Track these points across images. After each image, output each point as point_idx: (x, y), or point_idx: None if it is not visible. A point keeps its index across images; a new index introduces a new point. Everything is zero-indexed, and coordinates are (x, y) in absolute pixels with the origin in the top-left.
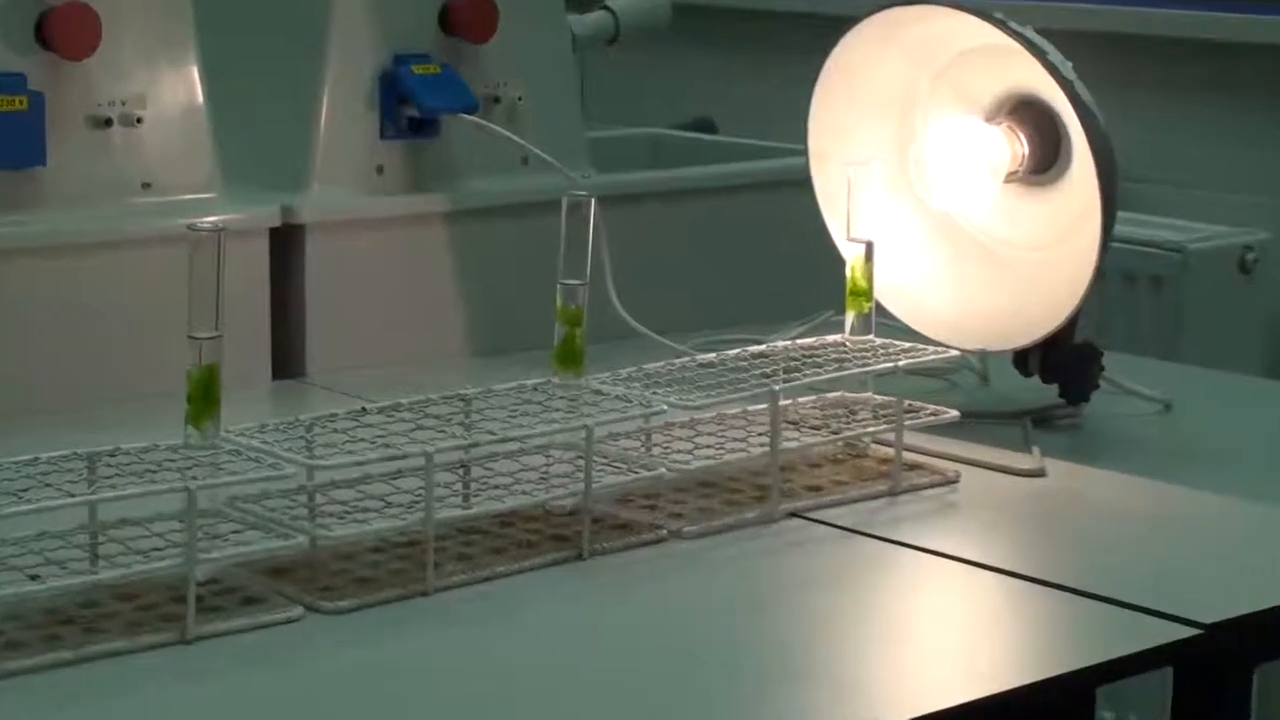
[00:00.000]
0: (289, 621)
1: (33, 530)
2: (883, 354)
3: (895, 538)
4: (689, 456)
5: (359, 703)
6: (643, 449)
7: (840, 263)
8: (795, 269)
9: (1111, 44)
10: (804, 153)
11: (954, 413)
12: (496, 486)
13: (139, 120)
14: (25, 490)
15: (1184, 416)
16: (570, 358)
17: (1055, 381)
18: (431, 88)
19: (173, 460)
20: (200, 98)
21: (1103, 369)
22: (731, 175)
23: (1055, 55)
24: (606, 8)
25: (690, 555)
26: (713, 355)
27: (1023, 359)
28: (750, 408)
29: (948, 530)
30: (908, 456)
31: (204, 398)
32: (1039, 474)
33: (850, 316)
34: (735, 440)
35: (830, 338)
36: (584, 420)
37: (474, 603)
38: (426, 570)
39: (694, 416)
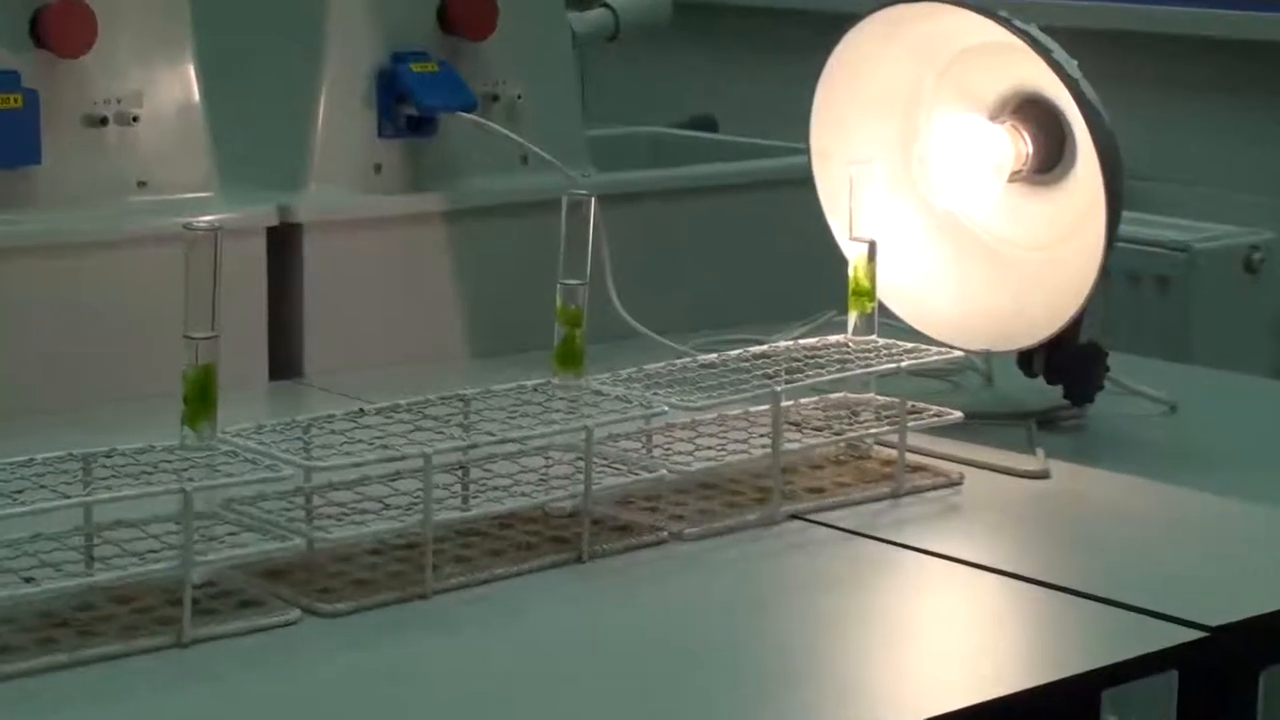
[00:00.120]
0: (286, 624)
1: (27, 532)
2: (886, 355)
3: (898, 540)
4: (690, 458)
5: (357, 706)
6: (643, 450)
7: (842, 262)
8: (797, 269)
9: (1116, 42)
10: (806, 151)
11: (957, 414)
12: (496, 488)
13: (135, 119)
14: (20, 492)
15: (1190, 418)
16: (570, 358)
17: (1060, 382)
18: (430, 86)
19: (169, 461)
20: (197, 96)
21: (1107, 370)
22: (733, 174)
23: (1060, 53)
24: (606, 5)
25: (691, 557)
26: (714, 356)
27: (1027, 360)
28: (752, 409)
29: (951, 532)
30: (911, 458)
31: (200, 398)
32: (1043, 476)
33: (853, 317)
34: (737, 441)
35: (833, 338)
36: (584, 421)
37: (473, 605)
38: (425, 572)
39: (695, 417)
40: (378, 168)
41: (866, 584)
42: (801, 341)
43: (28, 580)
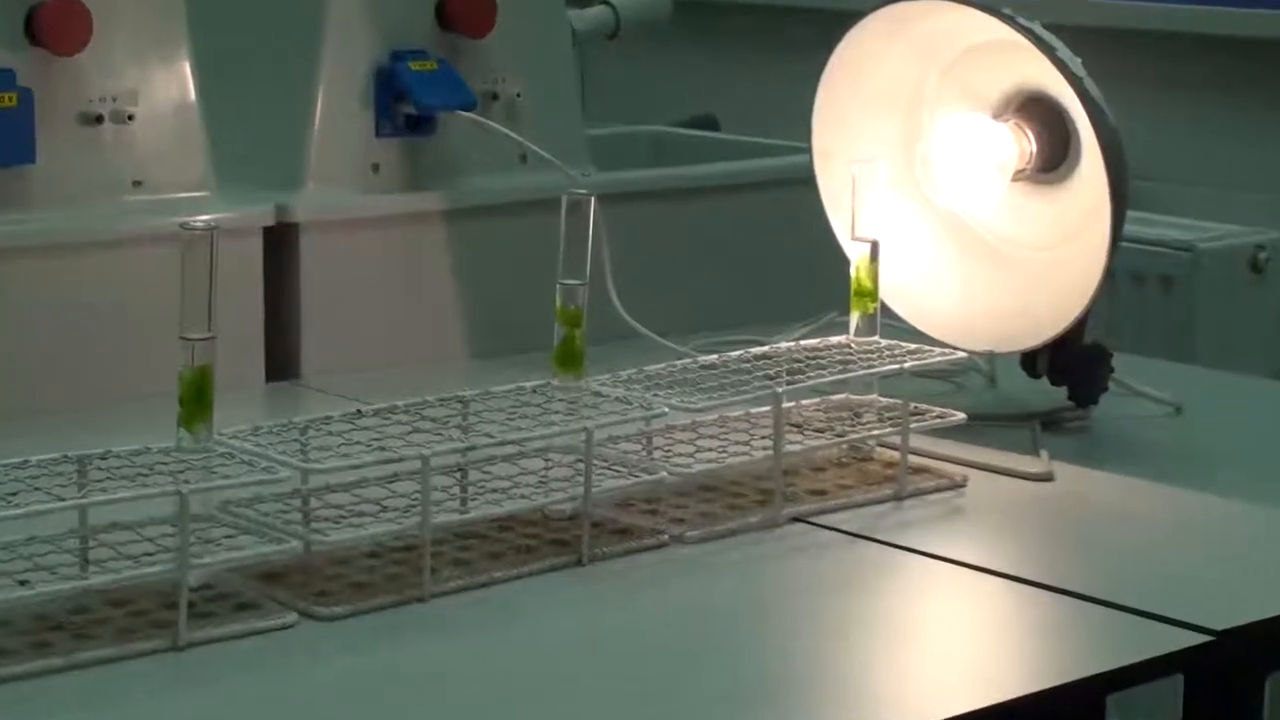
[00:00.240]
0: (283, 628)
1: (22, 534)
2: (888, 355)
3: (901, 543)
4: (691, 460)
5: (354, 711)
6: (643, 452)
7: (845, 262)
8: (799, 269)
9: (1121, 40)
10: (808, 150)
11: (960, 415)
12: (494, 490)
13: (130, 117)
14: (14, 494)
15: (1195, 419)
16: (570, 359)
17: (1064, 383)
18: (428, 84)
19: (165, 463)
20: (193, 94)
21: (1112, 371)
22: (734, 173)
23: (1064, 51)
24: (607, 2)
25: (692, 560)
26: (715, 357)
27: (1031, 360)
28: (753, 410)
29: (954, 535)
30: (913, 460)
31: (197, 400)
32: (1047, 478)
33: (855, 317)
34: (738, 443)
35: (835, 339)
36: (584, 423)
37: (471, 609)
38: (423, 575)
39: (696, 419)
40: (376, 167)
41: (869, 587)
42: (803, 342)
43: (22, 583)
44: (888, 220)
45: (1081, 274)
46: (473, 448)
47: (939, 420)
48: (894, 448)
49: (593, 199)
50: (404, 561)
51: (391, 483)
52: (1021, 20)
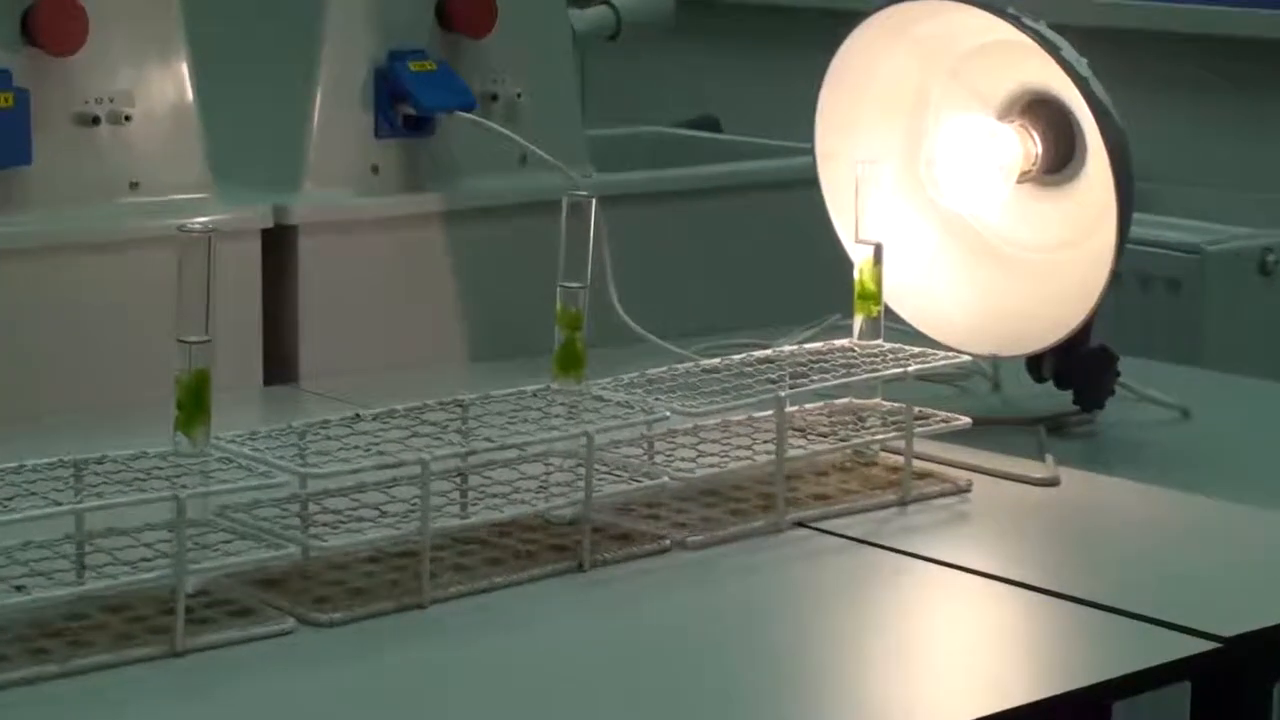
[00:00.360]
0: (281, 634)
1: (18, 539)
2: (892, 359)
3: (905, 548)
4: (693, 464)
5: (353, 718)
6: (645, 457)
7: (848, 265)
8: (802, 271)
9: (1126, 40)
10: (811, 152)
11: (965, 420)
12: (495, 495)
13: (127, 118)
14: (10, 499)
15: (1202, 423)
16: (570, 363)
17: (1069, 387)
18: (428, 85)
19: (162, 468)
20: (190, 95)
21: (1118, 374)
22: (736, 175)
23: (1069, 51)
24: (608, 3)
25: (694, 566)
26: (717, 360)
27: (1036, 364)
28: (755, 414)
29: (959, 541)
30: (918, 465)
31: (194, 404)
32: (1053, 483)
33: (858, 320)
34: (740, 448)
35: (838, 342)
36: (585, 427)
37: (471, 615)
38: (422, 581)
39: (698, 423)
40: (375, 168)
41: (872, 593)
42: (806, 346)
43: (18, 589)
44: (891, 222)
45: (1087, 277)
46: (472, 452)
47: (943, 424)
48: (898, 452)
49: (593, 201)
50: (403, 567)
51: (390, 487)
52: (1027, 21)
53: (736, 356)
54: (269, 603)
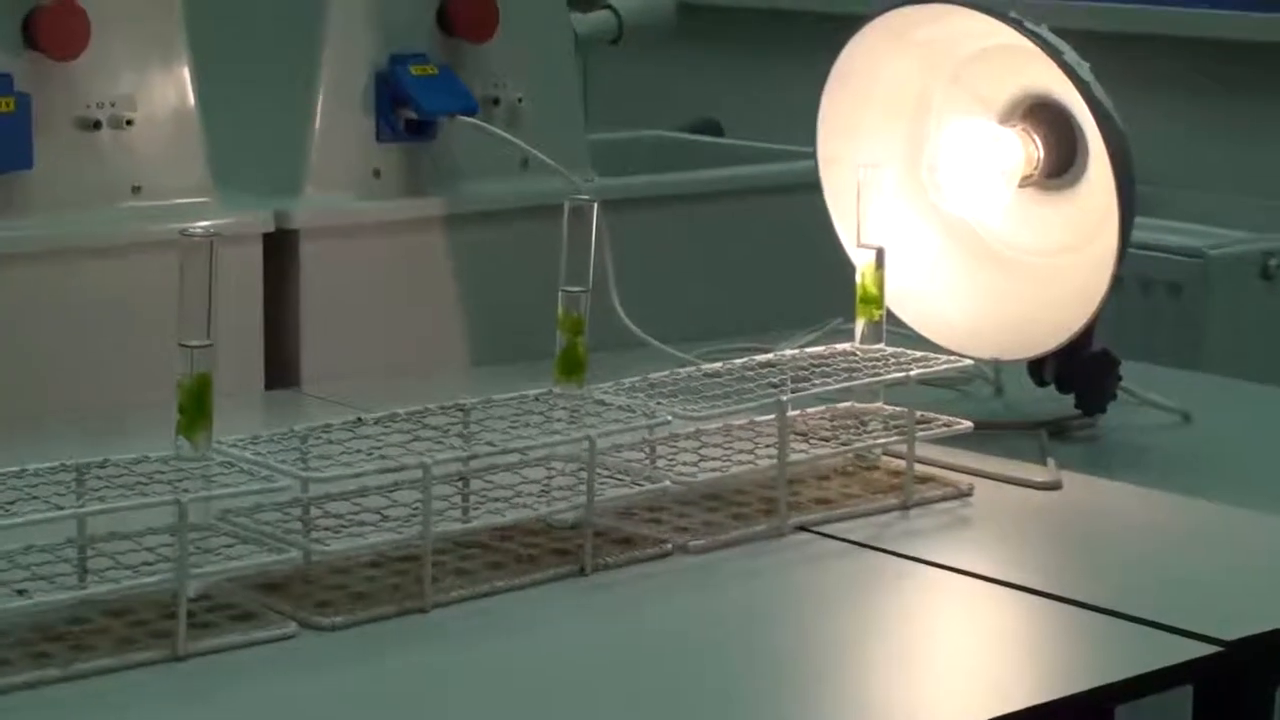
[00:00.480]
0: (283, 638)
1: (20, 544)
2: (894, 363)
3: (907, 552)
4: (694, 469)
5: None
6: (647, 461)
7: (850, 269)
8: (804, 275)
9: (1129, 44)
10: (813, 156)
11: (967, 424)
12: (496, 499)
13: (129, 122)
14: (12, 503)
15: (1204, 427)
16: (572, 367)
17: (1071, 391)
18: (429, 89)
19: (163, 472)
20: (191, 99)
21: (1120, 379)
22: (738, 179)
23: (1071, 55)
24: (609, 7)
25: (696, 570)
26: (719, 364)
27: (1038, 368)
28: (757, 418)
29: (961, 545)
30: (920, 469)
31: (196, 408)
32: (1055, 486)
33: (860, 324)
34: (742, 452)
35: (840, 346)
36: (586, 431)
37: (473, 619)
38: (424, 585)
39: (699, 427)
40: (376, 172)
41: (875, 597)
42: (808, 350)
43: (20, 593)
44: (893, 226)
45: (1089, 281)
46: (474, 456)
47: (945, 428)
48: (900, 456)
49: (595, 205)
50: (405, 571)
51: (392, 491)
52: (1028, 24)
53: (738, 360)
54: (271, 607)
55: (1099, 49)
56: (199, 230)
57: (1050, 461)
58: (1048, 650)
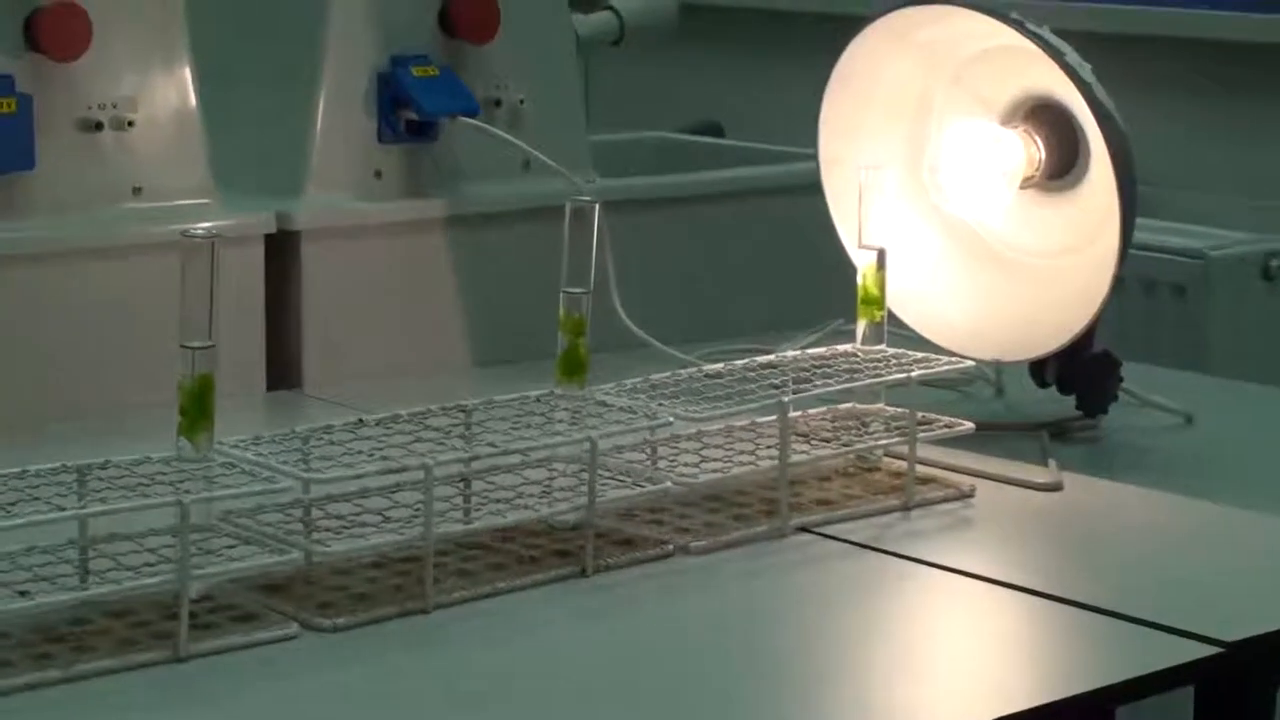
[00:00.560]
0: (284, 639)
1: (21, 545)
2: (895, 364)
3: (908, 553)
4: (696, 470)
5: None
6: (648, 462)
7: (851, 270)
8: (805, 277)
9: (1130, 46)
10: (814, 157)
11: (969, 425)
12: (498, 500)
13: (130, 123)
14: (13, 504)
15: (1205, 429)
16: (573, 368)
17: (1073, 393)
18: (431, 90)
19: (165, 473)
20: (193, 100)
21: (1121, 380)
22: (739, 180)
23: (1073, 57)
24: (611, 8)
25: (697, 571)
26: (720, 365)
27: (1039, 369)
28: (759, 419)
29: (962, 545)
30: (921, 470)
31: (197, 409)
32: (1056, 488)
33: (862, 326)
34: (743, 453)
35: (841, 347)
36: (588, 432)
37: (474, 620)
38: (426, 586)
39: (701, 428)
40: (378, 173)
41: (876, 598)
42: (809, 351)
43: (22, 594)
44: (895, 228)
45: (1090, 282)
46: (476, 457)
47: (946, 430)
48: (901, 457)
49: (596, 206)
50: (407, 572)
51: (394, 493)
52: (1030, 25)
53: (739, 361)
54: (273, 608)
55: (1100, 50)
56: (200, 231)
57: (1051, 463)
58: (1049, 651)
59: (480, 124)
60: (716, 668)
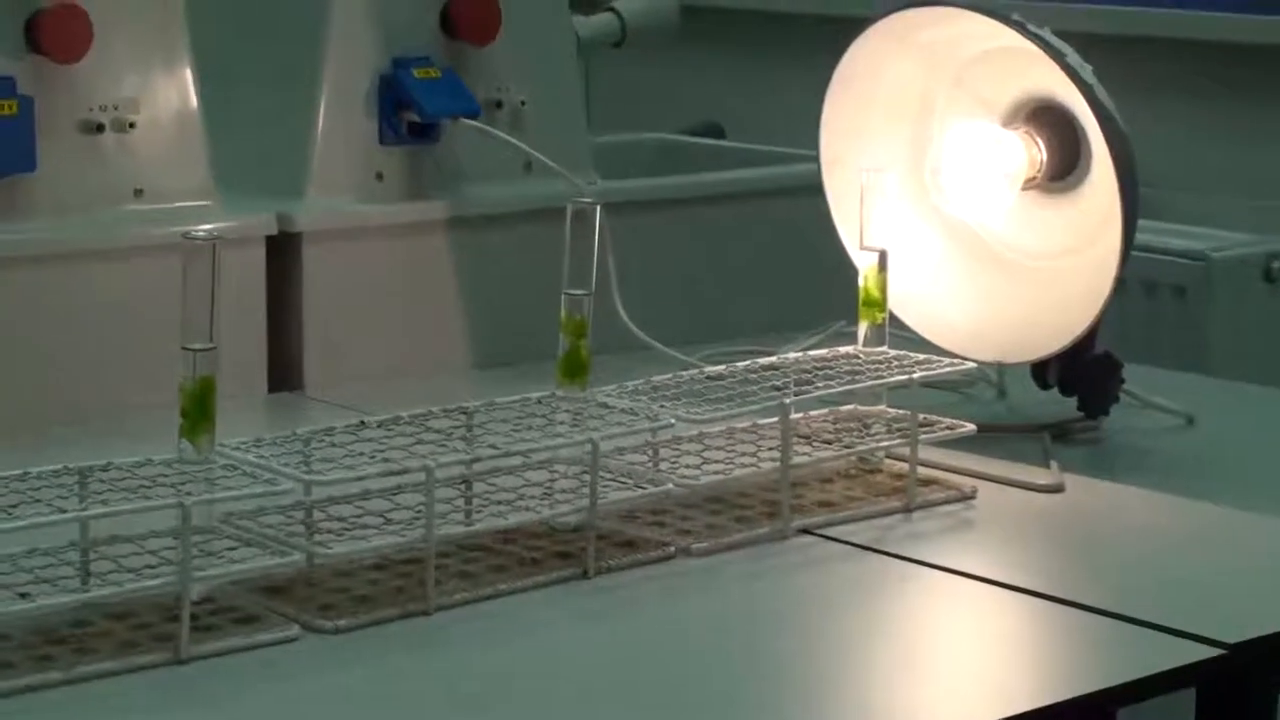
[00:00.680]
0: (286, 641)
1: (22, 547)
2: (897, 366)
3: (910, 555)
4: (697, 471)
5: None
6: (650, 464)
7: (853, 272)
8: (806, 278)
9: (1131, 47)
10: (815, 159)
11: (970, 426)
12: (499, 502)
13: (131, 125)
14: (15, 506)
15: (1207, 430)
16: (575, 370)
17: (1074, 394)
18: (432, 92)
19: (166, 475)
20: (194, 102)
21: (1123, 381)
22: (741, 182)
23: (1074, 58)
24: (612, 10)
25: (699, 573)
26: (722, 367)
27: (1041, 371)
28: (760, 421)
29: (964, 547)
30: (922, 471)
31: (199, 411)
32: (1058, 489)
33: (863, 327)
34: (745, 455)
35: (843, 349)
36: (589, 434)
37: (476, 622)
38: (427, 588)
39: (702, 430)
40: (379, 175)
41: (877, 600)
42: (811, 353)
43: (23, 596)
44: (896, 229)
45: (1092, 283)
46: (477, 459)
47: (948, 431)
48: (903, 459)
49: (598, 208)
50: (408, 574)
51: (395, 495)
52: (1031, 27)
53: (741, 363)
54: (274, 610)
55: (1101, 52)
56: (201, 233)
57: (1053, 464)
58: (1050, 653)
59: (481, 125)
60: (718, 669)
